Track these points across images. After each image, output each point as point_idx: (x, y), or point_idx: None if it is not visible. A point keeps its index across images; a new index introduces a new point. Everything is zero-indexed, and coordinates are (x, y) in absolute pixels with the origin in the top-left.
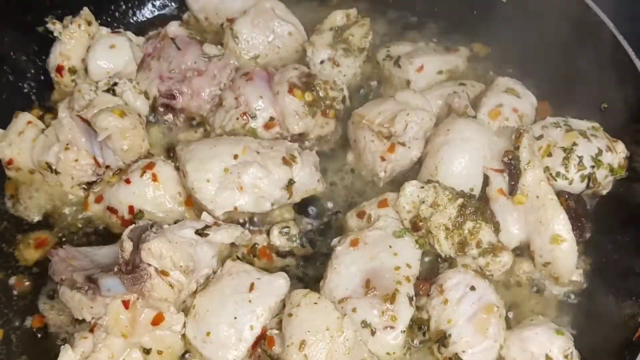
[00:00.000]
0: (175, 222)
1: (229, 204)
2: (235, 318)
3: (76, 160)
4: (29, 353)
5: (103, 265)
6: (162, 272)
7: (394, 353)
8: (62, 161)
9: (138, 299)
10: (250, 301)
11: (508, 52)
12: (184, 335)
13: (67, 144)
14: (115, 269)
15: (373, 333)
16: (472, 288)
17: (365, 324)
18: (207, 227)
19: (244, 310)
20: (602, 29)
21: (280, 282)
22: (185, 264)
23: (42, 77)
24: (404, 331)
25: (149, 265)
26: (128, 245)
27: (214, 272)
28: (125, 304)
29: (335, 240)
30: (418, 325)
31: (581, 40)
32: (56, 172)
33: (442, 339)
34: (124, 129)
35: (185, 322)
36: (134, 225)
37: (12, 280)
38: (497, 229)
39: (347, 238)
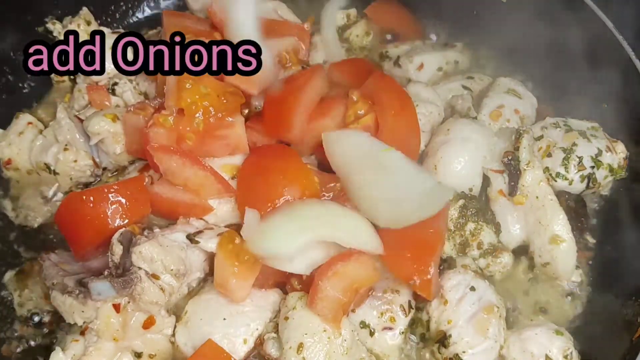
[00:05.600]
0: (167, 226)
1: None
2: (228, 330)
3: (75, 161)
4: None
5: (94, 269)
6: (153, 276)
7: (392, 354)
8: (60, 162)
9: (129, 302)
10: (244, 313)
11: (508, 53)
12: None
13: (66, 145)
14: (106, 273)
15: (372, 334)
16: (472, 288)
17: (364, 325)
18: (198, 232)
19: (238, 323)
20: (602, 29)
21: (275, 297)
22: (176, 268)
23: (42, 77)
24: (403, 332)
25: (140, 268)
26: (118, 249)
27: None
28: (116, 307)
29: None
30: (418, 326)
31: (581, 40)
32: (55, 173)
33: (443, 339)
34: (116, 133)
35: (175, 327)
36: (124, 229)
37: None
38: (497, 230)
39: None
